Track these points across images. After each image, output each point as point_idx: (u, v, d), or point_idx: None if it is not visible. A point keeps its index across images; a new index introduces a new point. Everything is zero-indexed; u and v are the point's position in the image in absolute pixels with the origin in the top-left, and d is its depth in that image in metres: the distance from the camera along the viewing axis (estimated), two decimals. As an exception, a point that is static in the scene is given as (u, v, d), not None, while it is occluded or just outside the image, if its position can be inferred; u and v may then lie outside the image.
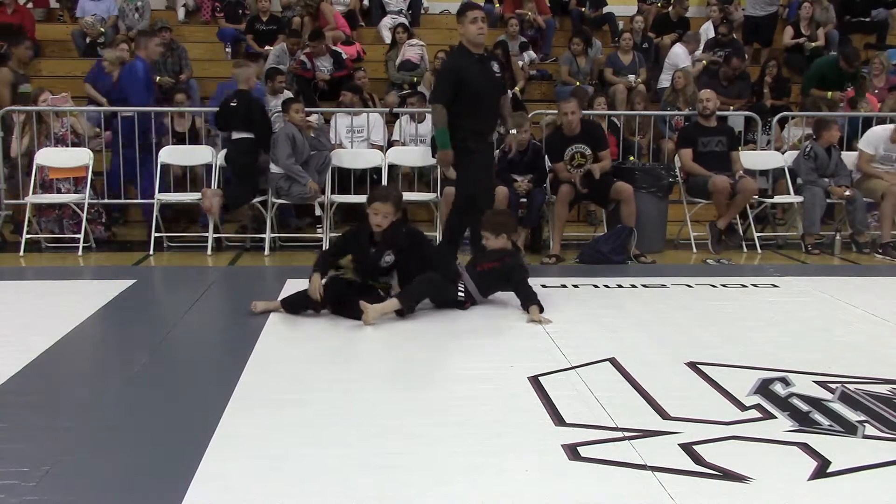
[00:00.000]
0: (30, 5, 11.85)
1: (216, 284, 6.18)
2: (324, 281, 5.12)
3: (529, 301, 5.19)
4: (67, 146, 7.93)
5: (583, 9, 11.98)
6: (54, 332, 4.73)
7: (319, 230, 7.94)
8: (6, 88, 8.39)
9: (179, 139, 8.46)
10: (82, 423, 3.45)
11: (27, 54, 8.63)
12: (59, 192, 7.71)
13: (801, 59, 11.27)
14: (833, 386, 3.93)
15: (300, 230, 8.23)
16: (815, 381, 3.98)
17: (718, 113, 8.12)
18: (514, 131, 6.38)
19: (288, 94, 8.84)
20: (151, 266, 7.10)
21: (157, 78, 9.77)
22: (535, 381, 3.97)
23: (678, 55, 10.55)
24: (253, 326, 4.89)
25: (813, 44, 11.30)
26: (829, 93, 9.81)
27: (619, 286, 6.08)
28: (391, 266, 5.25)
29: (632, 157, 8.48)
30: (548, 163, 7.58)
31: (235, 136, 7.60)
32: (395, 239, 5.21)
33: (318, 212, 7.93)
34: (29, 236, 7.44)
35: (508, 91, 6.43)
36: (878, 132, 8.08)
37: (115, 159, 8.02)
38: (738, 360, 4.31)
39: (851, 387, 3.92)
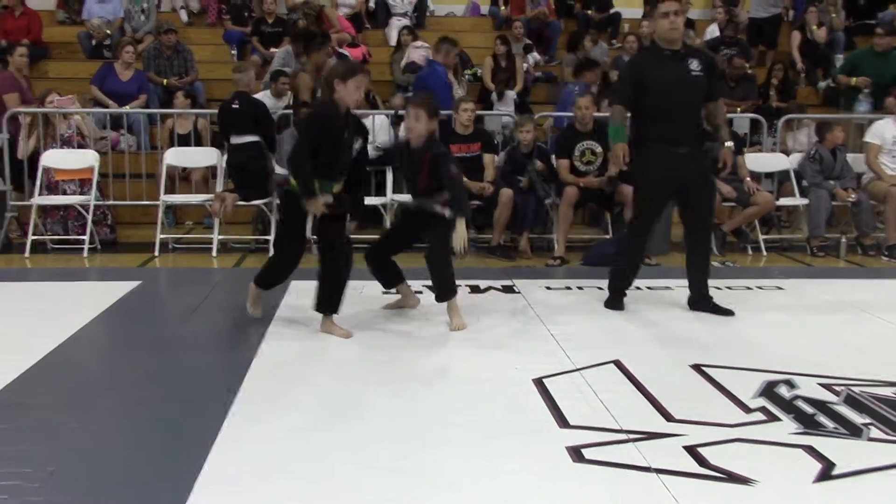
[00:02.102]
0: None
1: (221, 286, 6.19)
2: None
3: (459, 210, 4.87)
4: (74, 148, 7.95)
5: (589, 11, 11.97)
6: (59, 333, 4.73)
7: None
8: (308, 93, 8.36)
9: (182, 141, 8.49)
10: (86, 425, 3.45)
11: (324, 59, 8.55)
12: (64, 193, 7.73)
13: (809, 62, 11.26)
14: (838, 388, 3.91)
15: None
16: (820, 384, 3.97)
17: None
18: (729, 144, 5.42)
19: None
20: (157, 267, 7.11)
21: (164, 81, 9.82)
22: (539, 383, 3.97)
23: None
24: (257, 328, 4.90)
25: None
26: (854, 79, 9.75)
27: (624, 288, 6.06)
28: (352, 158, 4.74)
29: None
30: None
31: (238, 140, 7.54)
32: (362, 125, 4.87)
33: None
34: (34, 237, 7.47)
35: (719, 97, 5.52)
36: (882, 122, 8.14)
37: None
38: (743, 362, 4.30)
39: (857, 389, 3.90)
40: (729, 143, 5.41)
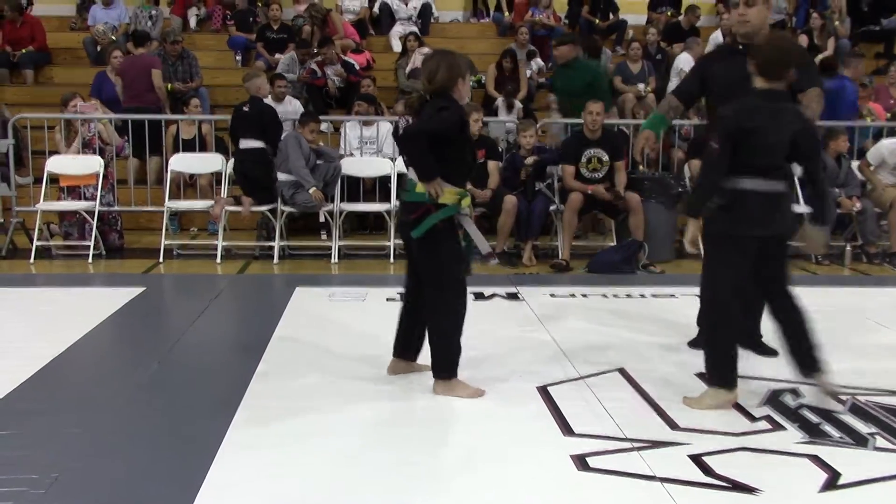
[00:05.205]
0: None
1: (225, 292, 6.19)
2: None
3: (824, 214, 3.93)
4: (95, 152, 7.92)
5: (596, 20, 11.97)
6: (64, 339, 4.74)
7: (324, 237, 7.95)
8: None
9: (187, 147, 8.50)
10: (91, 431, 3.46)
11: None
12: (83, 197, 7.71)
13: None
14: (843, 397, 3.90)
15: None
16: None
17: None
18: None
19: (293, 101, 8.88)
20: (161, 274, 7.12)
21: (169, 86, 9.83)
22: (543, 390, 3.97)
23: (684, 62, 10.51)
24: (261, 334, 4.89)
25: (822, 54, 11.25)
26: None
27: (628, 296, 6.06)
28: None
29: (641, 167, 8.47)
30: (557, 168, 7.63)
31: (246, 144, 7.56)
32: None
33: (322, 219, 7.90)
34: (39, 243, 7.47)
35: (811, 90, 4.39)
36: (886, 144, 8.11)
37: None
38: (748, 370, 4.28)
39: (862, 398, 3.90)
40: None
